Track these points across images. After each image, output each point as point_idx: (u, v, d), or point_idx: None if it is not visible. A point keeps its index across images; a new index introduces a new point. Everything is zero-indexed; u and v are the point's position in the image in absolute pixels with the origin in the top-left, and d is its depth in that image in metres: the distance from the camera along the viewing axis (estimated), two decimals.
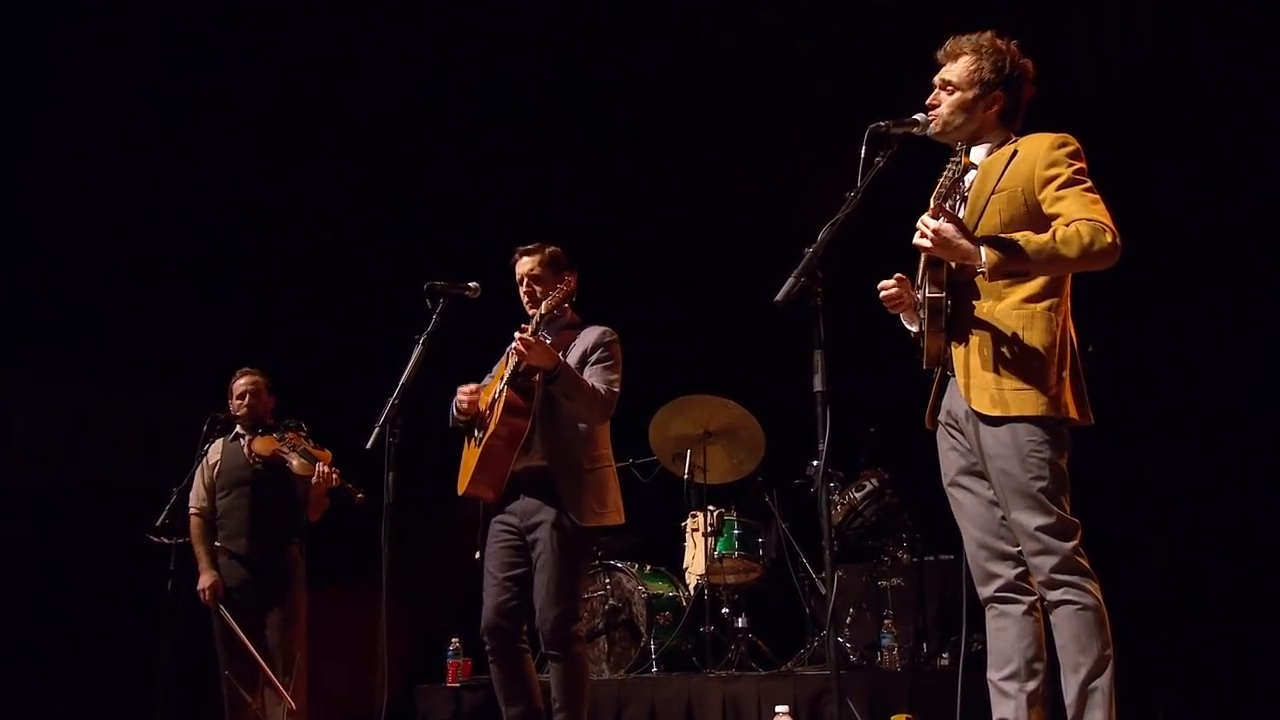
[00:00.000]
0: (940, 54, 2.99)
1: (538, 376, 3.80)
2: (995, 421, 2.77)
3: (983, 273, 2.70)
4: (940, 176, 2.87)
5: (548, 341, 3.81)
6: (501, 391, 3.83)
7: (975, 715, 3.21)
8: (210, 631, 4.90)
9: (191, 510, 5.00)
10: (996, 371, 2.78)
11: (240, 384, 5.10)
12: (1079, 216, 2.72)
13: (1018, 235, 2.73)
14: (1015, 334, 2.78)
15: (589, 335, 3.96)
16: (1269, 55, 5.11)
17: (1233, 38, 5.28)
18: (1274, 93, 5.07)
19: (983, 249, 2.69)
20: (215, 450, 5.10)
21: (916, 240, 2.76)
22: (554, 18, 7.13)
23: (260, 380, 5.13)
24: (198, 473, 5.04)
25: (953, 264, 2.82)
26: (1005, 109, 2.95)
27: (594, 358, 3.89)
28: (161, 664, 4.68)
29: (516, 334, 3.72)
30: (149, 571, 4.94)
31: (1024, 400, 2.75)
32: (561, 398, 3.78)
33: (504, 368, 3.94)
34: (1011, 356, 2.77)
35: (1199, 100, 5.31)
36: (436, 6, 7.25)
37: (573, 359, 3.88)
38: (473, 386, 3.94)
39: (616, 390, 3.86)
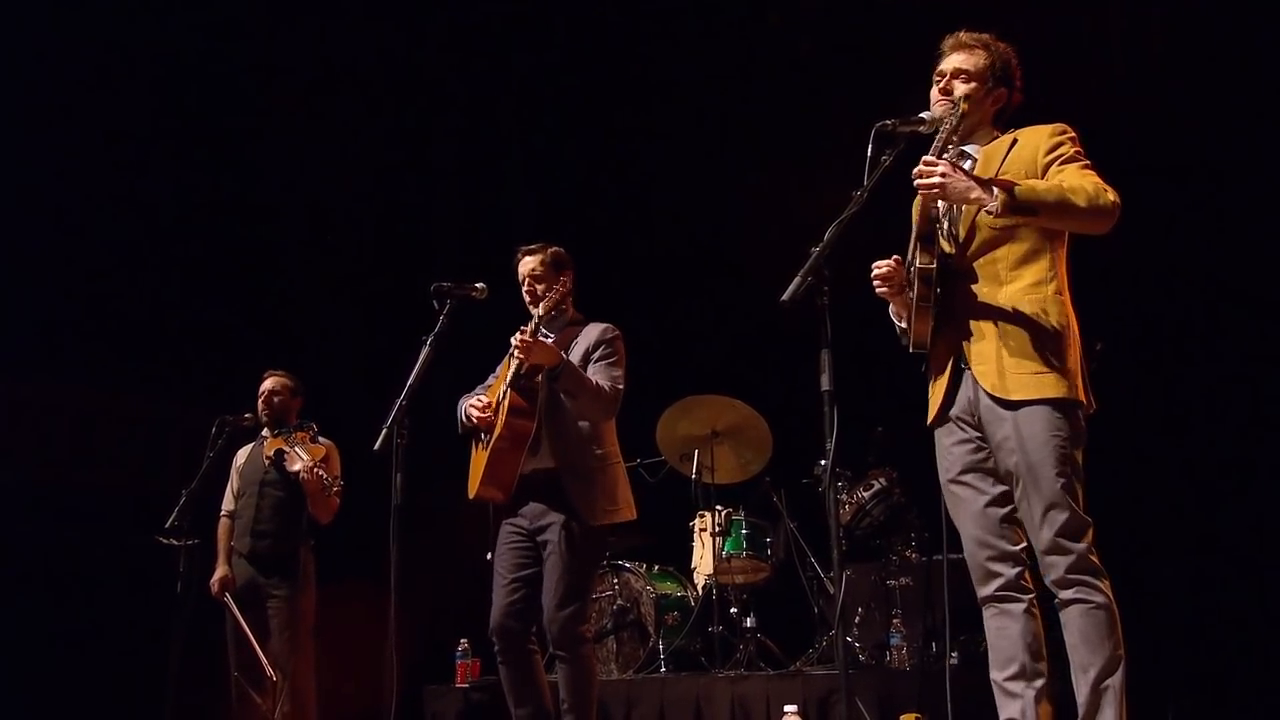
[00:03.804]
0: (950, 44, 3.02)
1: (540, 377, 3.80)
2: (1017, 406, 2.76)
3: (991, 212, 2.69)
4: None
5: (549, 340, 3.81)
6: (505, 394, 3.83)
7: (973, 716, 3.20)
8: (219, 633, 4.94)
9: (222, 513, 5.18)
10: (1020, 357, 2.78)
11: (264, 386, 5.18)
12: (1078, 181, 2.77)
13: (1027, 180, 2.75)
14: (1032, 319, 2.79)
15: (591, 332, 3.96)
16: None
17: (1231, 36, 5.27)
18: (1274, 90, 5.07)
19: (994, 185, 2.70)
20: (243, 453, 5.23)
21: (919, 182, 2.74)
22: (557, 19, 7.13)
23: (284, 382, 5.18)
24: (231, 476, 5.19)
25: (993, 224, 2.78)
26: (1003, 108, 3.02)
27: (597, 354, 3.89)
28: (171, 665, 4.70)
29: (515, 336, 3.73)
30: (159, 573, 4.96)
31: (1045, 384, 2.76)
32: (565, 396, 3.77)
33: (506, 369, 3.94)
34: (1031, 341, 2.78)
35: (1199, 98, 5.29)
36: (442, 6, 7.26)
37: (575, 356, 3.87)
38: (486, 401, 3.93)
39: (620, 386, 3.86)
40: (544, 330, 3.86)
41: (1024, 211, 2.71)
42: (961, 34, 3.03)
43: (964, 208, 2.87)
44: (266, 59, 6.95)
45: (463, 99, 7.48)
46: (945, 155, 2.81)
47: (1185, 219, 5.12)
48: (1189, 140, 5.24)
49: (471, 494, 3.92)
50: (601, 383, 3.81)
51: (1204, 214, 5.21)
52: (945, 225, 2.94)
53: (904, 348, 3.04)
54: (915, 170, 2.76)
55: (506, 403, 3.80)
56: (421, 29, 7.29)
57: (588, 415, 3.83)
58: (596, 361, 3.88)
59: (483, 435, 3.93)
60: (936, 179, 2.71)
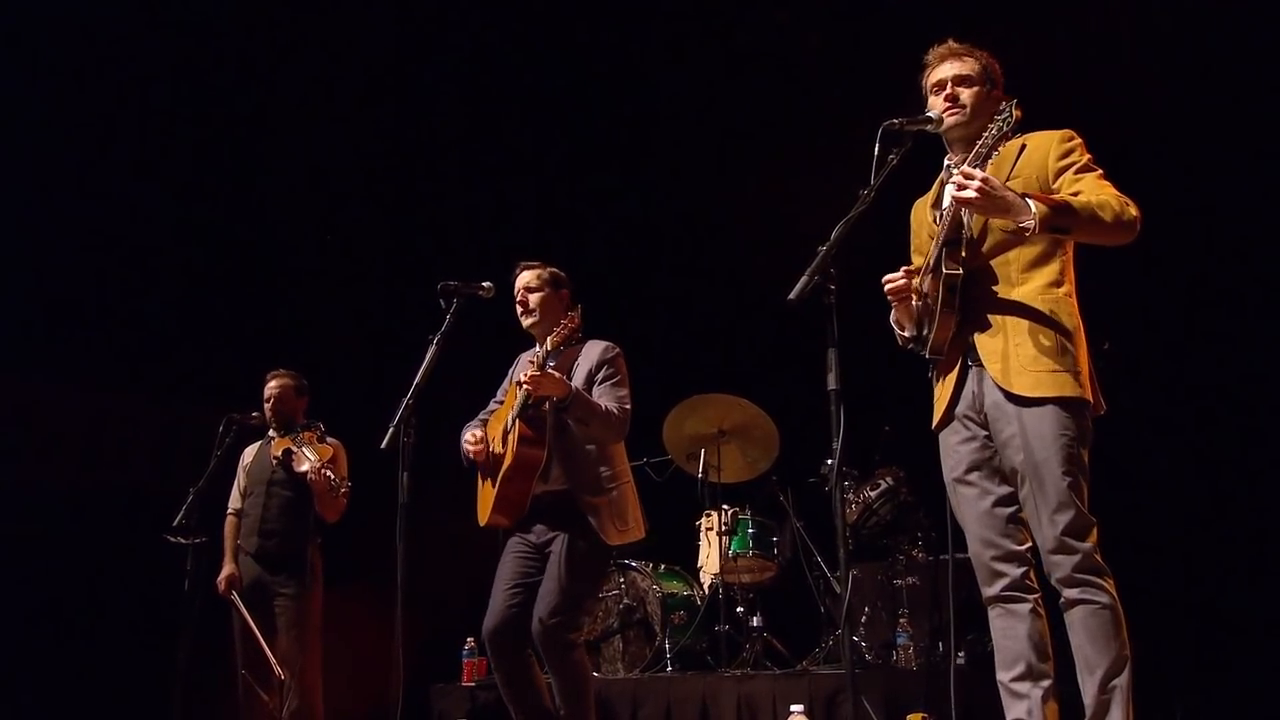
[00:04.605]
0: (939, 53, 3.04)
1: (547, 405, 3.80)
2: (1026, 404, 2.77)
3: (1026, 226, 2.68)
4: (943, 175, 2.88)
5: (551, 367, 3.79)
6: (513, 423, 3.82)
7: (980, 716, 3.19)
8: (227, 631, 4.95)
9: (229, 511, 5.19)
10: (1033, 355, 2.79)
11: (268, 387, 5.18)
12: (1099, 193, 2.78)
13: (1056, 196, 2.76)
14: (1046, 318, 2.81)
15: (591, 352, 3.95)
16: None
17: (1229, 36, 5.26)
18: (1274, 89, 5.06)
19: (1030, 201, 2.69)
20: (250, 452, 5.24)
21: (956, 194, 2.72)
22: (563, 18, 7.13)
23: (287, 383, 5.18)
24: (238, 474, 5.19)
25: (1004, 227, 2.79)
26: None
27: (600, 376, 3.88)
28: (179, 663, 4.72)
29: (524, 372, 3.73)
30: (167, 571, 4.98)
31: (1057, 382, 2.77)
32: (576, 423, 3.77)
33: (512, 397, 3.93)
34: (1045, 340, 2.79)
35: (1200, 97, 5.28)
36: (445, 7, 7.26)
37: (579, 377, 3.86)
38: (478, 435, 3.92)
39: (628, 407, 3.85)
40: (549, 359, 3.84)
41: (1058, 229, 2.73)
42: (950, 43, 3.05)
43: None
44: (270, 59, 6.96)
45: (468, 98, 7.48)
46: (948, 164, 2.81)
47: (1186, 219, 5.10)
48: (1188, 139, 5.23)
49: (482, 522, 3.92)
50: (610, 406, 3.80)
51: (1205, 213, 5.19)
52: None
53: (907, 349, 3.04)
54: (953, 180, 2.74)
55: (515, 433, 3.80)
56: (425, 27, 7.29)
57: (598, 439, 3.83)
58: (601, 383, 3.87)
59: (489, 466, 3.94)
60: (972, 193, 2.69)
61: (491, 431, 4.02)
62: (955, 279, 2.83)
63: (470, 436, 3.93)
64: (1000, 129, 2.76)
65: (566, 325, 3.74)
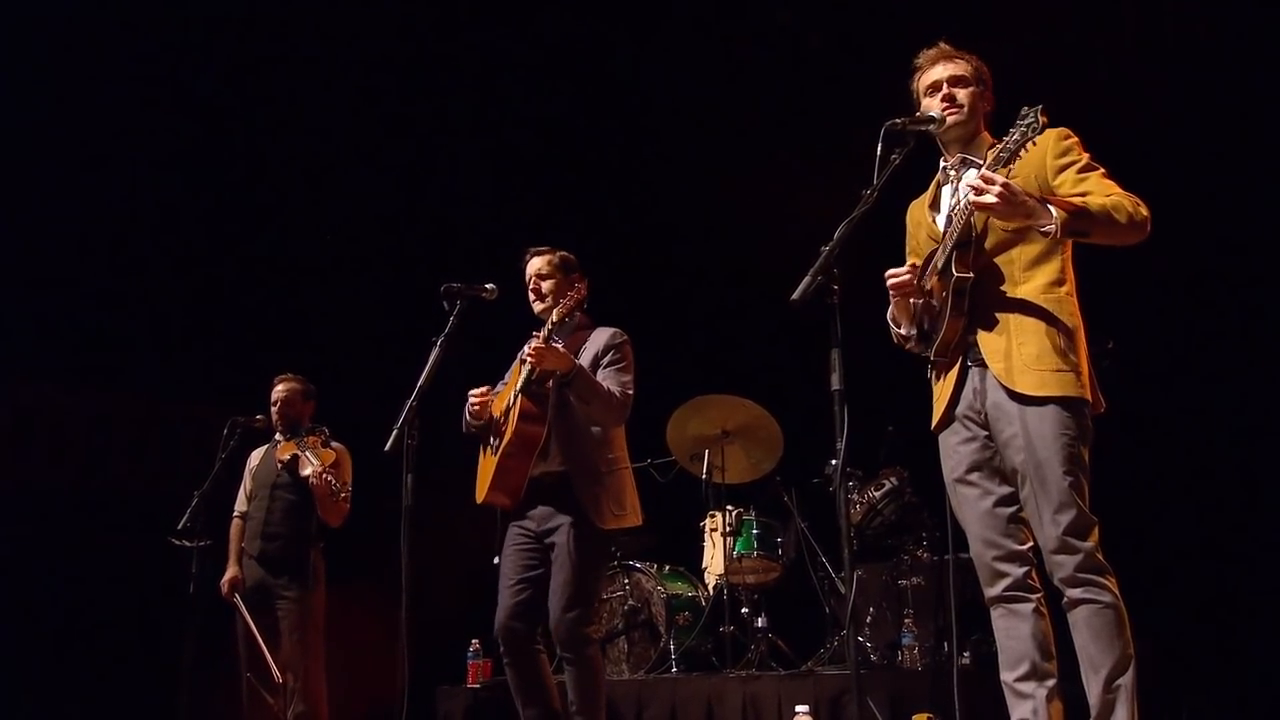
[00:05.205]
0: (932, 55, 3.05)
1: (550, 382, 3.80)
2: (1028, 403, 2.77)
3: (1047, 231, 2.68)
4: (940, 177, 2.88)
5: (559, 345, 3.81)
6: (516, 399, 3.83)
7: (986, 716, 3.19)
8: (232, 633, 4.96)
9: (235, 514, 5.21)
10: (1036, 354, 2.79)
11: (275, 391, 5.19)
12: (1109, 194, 2.77)
13: (1070, 199, 2.75)
14: (1047, 318, 2.81)
15: (599, 337, 3.96)
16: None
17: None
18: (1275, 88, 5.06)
19: (1050, 206, 2.69)
20: (256, 455, 5.26)
21: (976, 199, 2.70)
22: (565, 16, 7.13)
23: (295, 386, 5.19)
24: (244, 477, 5.21)
25: (1005, 226, 2.79)
26: (991, 110, 3.04)
27: (606, 360, 3.89)
28: (183, 665, 4.73)
29: (529, 344, 3.73)
30: (172, 574, 4.99)
31: (1060, 381, 2.77)
32: (577, 402, 3.78)
33: (516, 375, 3.94)
34: (1048, 339, 2.79)
35: (1200, 96, 5.28)
36: (446, 6, 7.27)
37: (584, 361, 3.87)
38: (483, 390, 3.93)
39: (631, 392, 3.85)
40: (555, 337, 3.85)
41: (1078, 233, 2.73)
42: (944, 46, 3.06)
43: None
44: (270, 59, 6.96)
45: (471, 98, 7.48)
46: (944, 165, 2.80)
47: (1186, 219, 5.09)
48: (1188, 139, 5.23)
49: (480, 499, 3.92)
50: (612, 389, 3.81)
51: (1205, 214, 5.18)
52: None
53: (903, 348, 3.04)
54: (972, 184, 2.72)
55: (517, 408, 3.80)
56: (426, 26, 7.29)
57: (599, 421, 3.83)
58: (606, 367, 3.87)
59: (491, 440, 3.94)
60: (993, 197, 2.67)
61: (495, 409, 4.01)
62: (965, 282, 2.83)
63: (474, 393, 3.91)
64: (1025, 134, 2.68)
65: (572, 296, 3.76)
